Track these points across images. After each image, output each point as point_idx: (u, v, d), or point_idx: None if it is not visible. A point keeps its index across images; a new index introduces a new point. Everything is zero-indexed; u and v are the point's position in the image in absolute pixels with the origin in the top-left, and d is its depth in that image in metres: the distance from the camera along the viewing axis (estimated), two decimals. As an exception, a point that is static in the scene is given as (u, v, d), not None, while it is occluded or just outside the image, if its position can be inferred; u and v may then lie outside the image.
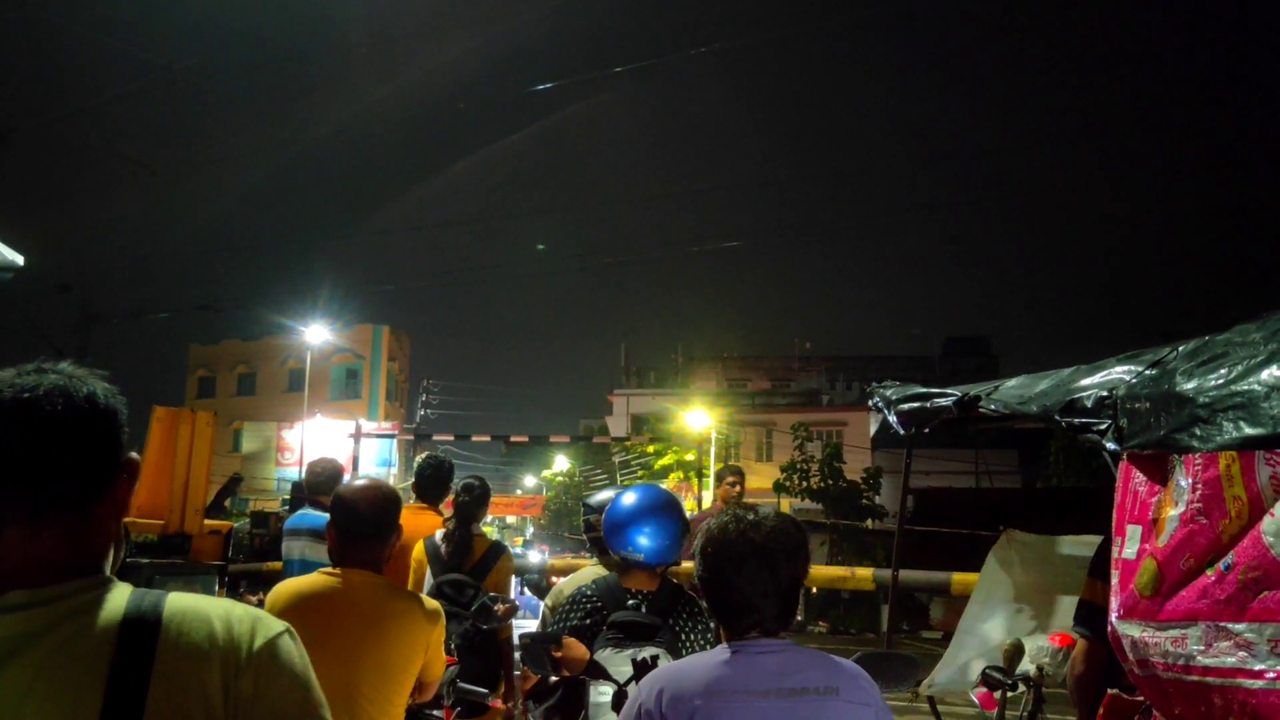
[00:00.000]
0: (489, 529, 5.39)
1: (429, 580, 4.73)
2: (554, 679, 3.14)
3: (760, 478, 38.60)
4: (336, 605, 2.83)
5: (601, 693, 3.07)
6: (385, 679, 2.80)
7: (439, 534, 4.86)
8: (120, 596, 1.22)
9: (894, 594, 4.51)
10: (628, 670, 3.03)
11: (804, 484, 30.21)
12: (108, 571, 1.28)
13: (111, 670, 1.13)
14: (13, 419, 1.25)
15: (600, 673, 3.02)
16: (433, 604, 3.02)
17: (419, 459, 5.27)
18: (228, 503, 19.70)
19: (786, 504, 31.06)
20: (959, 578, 5.54)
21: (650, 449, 37.04)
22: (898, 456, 5.06)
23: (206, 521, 8.48)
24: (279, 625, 1.29)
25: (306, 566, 4.71)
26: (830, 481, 29.81)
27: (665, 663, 2.93)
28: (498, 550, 4.89)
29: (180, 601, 1.23)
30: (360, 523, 2.93)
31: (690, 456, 34.20)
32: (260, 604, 2.95)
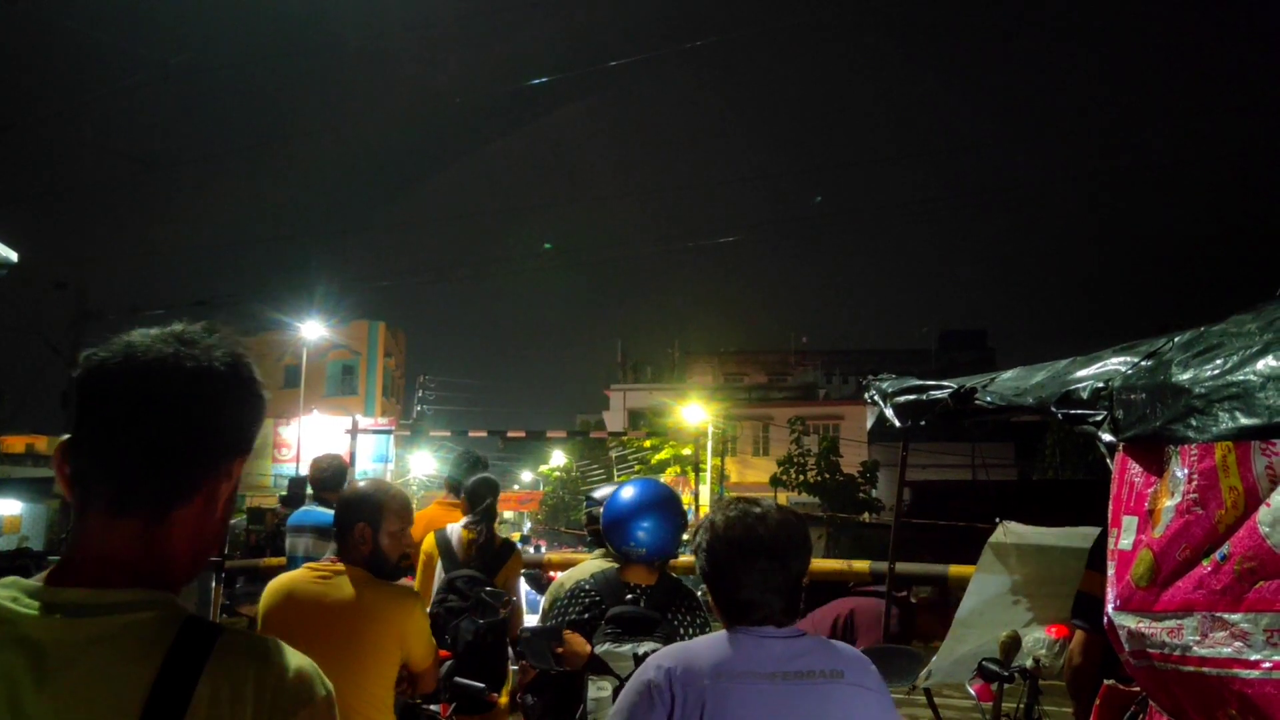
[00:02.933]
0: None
1: (439, 573, 4.74)
2: (552, 673, 3.15)
3: (757, 472, 38.70)
4: (313, 600, 2.94)
5: (600, 688, 3.07)
6: (360, 671, 2.86)
7: (451, 528, 4.86)
8: (173, 624, 1.14)
9: (890, 586, 4.52)
10: (629, 665, 3.03)
11: (801, 478, 30.29)
12: (182, 581, 1.22)
13: (143, 712, 1.08)
14: (105, 394, 1.18)
15: (601, 667, 3.03)
16: (408, 593, 3.07)
17: (472, 480, 5.11)
18: (225, 499, 19.64)
19: (784, 498, 31.09)
20: (956, 570, 5.55)
21: (647, 444, 37.07)
22: (895, 450, 5.07)
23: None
24: (320, 689, 1.19)
25: (304, 564, 4.75)
26: (827, 475, 29.89)
27: None
28: (509, 548, 4.90)
29: (228, 646, 1.15)
30: (334, 519, 3.15)
31: (687, 451, 34.23)
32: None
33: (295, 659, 1.20)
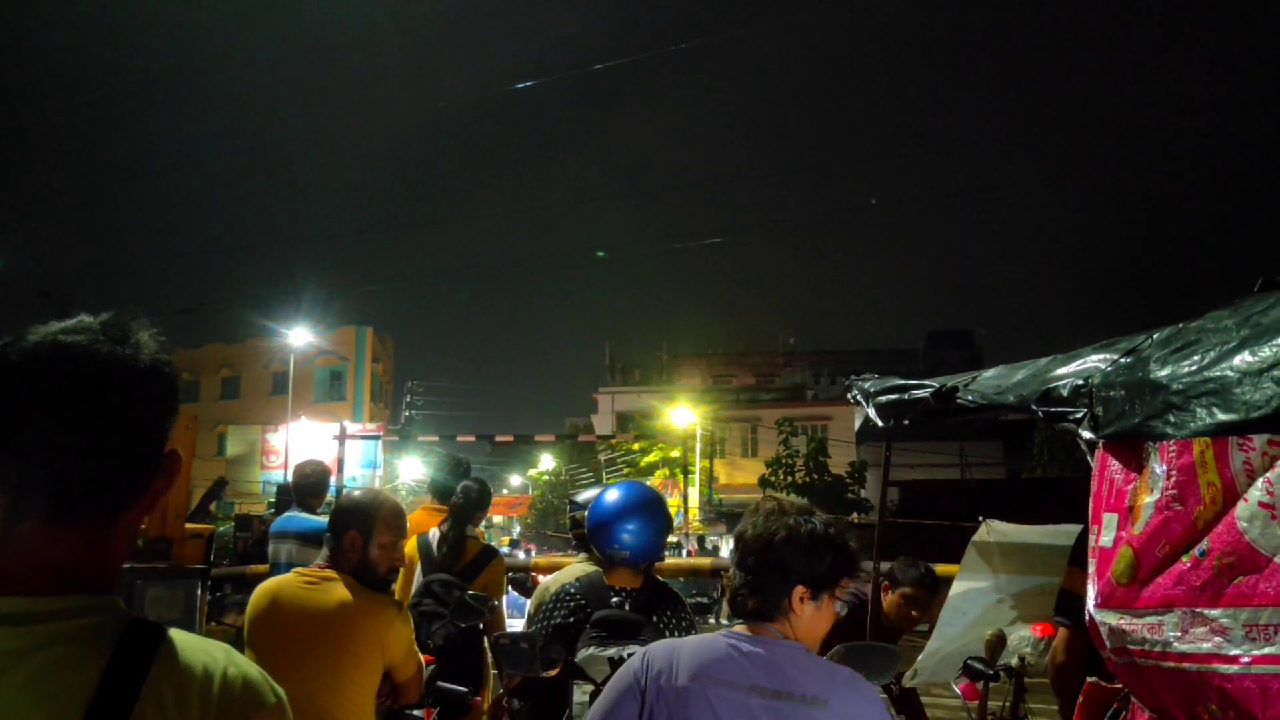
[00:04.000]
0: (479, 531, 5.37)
1: (418, 577, 4.74)
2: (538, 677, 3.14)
3: (746, 473, 38.72)
4: (297, 605, 2.94)
5: (585, 692, 3.07)
6: (341, 677, 2.87)
7: (433, 533, 4.86)
8: (116, 628, 1.09)
9: (875, 585, 4.53)
10: (605, 670, 3.03)
11: (789, 479, 30.29)
12: (118, 582, 1.16)
13: (87, 713, 1.03)
14: (37, 394, 1.09)
15: (578, 673, 3.02)
16: (393, 602, 3.07)
17: (462, 482, 5.04)
18: (213, 506, 19.60)
19: (772, 499, 31.06)
20: (942, 569, 5.56)
21: (636, 446, 37.10)
22: (882, 450, 5.08)
23: (188, 525, 8.44)
24: (270, 696, 1.15)
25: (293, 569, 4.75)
26: (815, 476, 29.93)
27: None
28: (489, 554, 4.91)
29: (173, 650, 1.10)
30: (329, 526, 3.14)
31: (676, 453, 34.25)
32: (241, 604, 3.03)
33: (242, 664, 1.15)
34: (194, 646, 1.13)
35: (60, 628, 1.07)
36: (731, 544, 2.28)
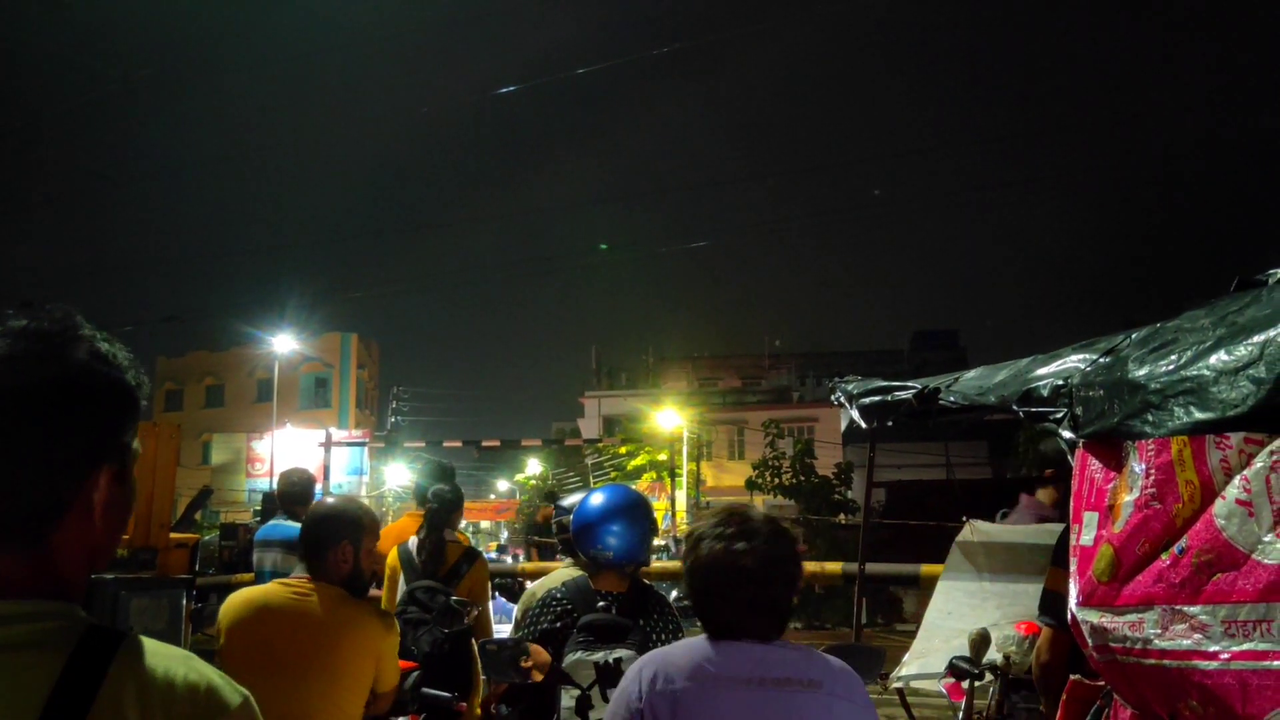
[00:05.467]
0: (463, 535, 5.35)
1: (402, 585, 4.73)
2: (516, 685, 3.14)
3: (733, 475, 38.74)
4: (289, 615, 2.91)
5: (573, 696, 3.07)
6: (333, 687, 2.85)
7: (413, 541, 4.85)
8: (73, 633, 1.06)
9: (860, 586, 4.55)
10: (591, 674, 3.03)
11: (776, 481, 30.29)
12: (80, 591, 1.11)
13: (40, 718, 1.00)
14: None
15: (564, 678, 3.02)
16: (384, 613, 3.07)
17: (433, 487, 5.08)
18: (198, 515, 19.51)
19: (760, 501, 31.12)
20: (927, 569, 5.58)
21: (622, 450, 37.09)
22: (868, 451, 5.12)
23: (173, 535, 8.41)
24: (234, 698, 1.11)
25: (278, 578, 4.72)
26: (802, 478, 29.88)
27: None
28: (471, 556, 4.89)
29: (131, 655, 1.07)
30: (305, 536, 3.13)
31: (663, 456, 34.25)
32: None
33: (203, 669, 1.12)
34: (154, 651, 1.10)
35: (15, 631, 1.04)
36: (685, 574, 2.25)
